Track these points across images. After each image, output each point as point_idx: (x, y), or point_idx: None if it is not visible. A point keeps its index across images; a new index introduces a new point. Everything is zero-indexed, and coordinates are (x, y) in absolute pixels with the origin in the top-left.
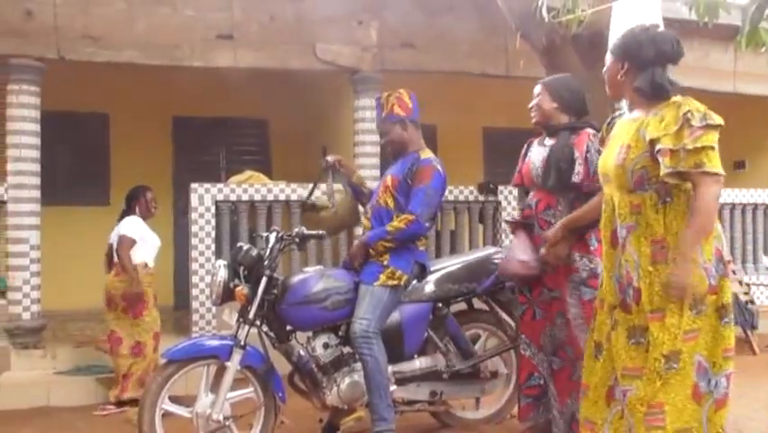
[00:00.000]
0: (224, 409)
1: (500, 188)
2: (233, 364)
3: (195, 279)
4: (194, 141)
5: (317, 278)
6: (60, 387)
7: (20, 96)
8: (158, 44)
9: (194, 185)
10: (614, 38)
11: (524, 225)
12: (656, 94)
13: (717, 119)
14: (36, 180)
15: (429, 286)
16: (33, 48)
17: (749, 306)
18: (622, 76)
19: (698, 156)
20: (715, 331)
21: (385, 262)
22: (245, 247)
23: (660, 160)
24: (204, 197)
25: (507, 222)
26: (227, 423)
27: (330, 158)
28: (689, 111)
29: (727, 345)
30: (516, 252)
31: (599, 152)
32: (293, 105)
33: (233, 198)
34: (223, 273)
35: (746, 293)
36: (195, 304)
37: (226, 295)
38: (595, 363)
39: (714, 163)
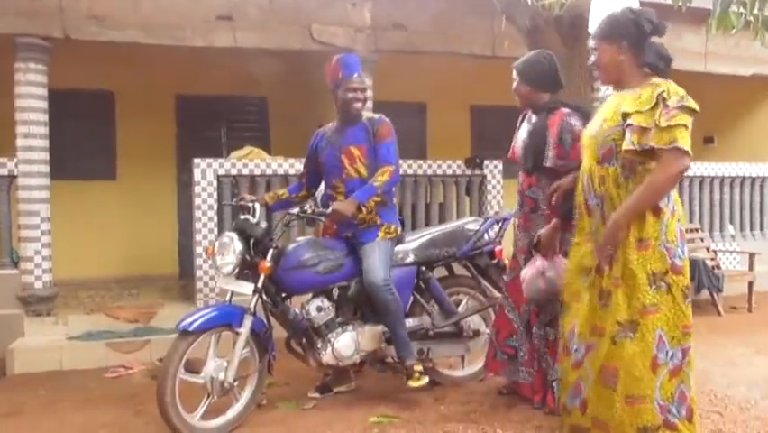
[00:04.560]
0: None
1: (486, 162)
2: (246, 331)
3: (198, 249)
4: (196, 118)
5: (309, 244)
6: (72, 351)
7: (27, 75)
8: (160, 24)
9: (197, 160)
10: (594, 20)
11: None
12: (664, 64)
13: (694, 105)
14: (45, 156)
15: (413, 251)
16: (40, 27)
17: (715, 271)
18: (622, 55)
19: (671, 133)
20: (678, 309)
21: (379, 222)
22: (253, 220)
23: (627, 134)
24: (206, 171)
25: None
26: (235, 384)
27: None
28: (664, 91)
29: (687, 322)
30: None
31: (572, 132)
32: (291, 84)
33: (233, 172)
34: (239, 246)
35: (713, 259)
36: (198, 273)
37: (244, 265)
38: (563, 321)
39: (684, 142)
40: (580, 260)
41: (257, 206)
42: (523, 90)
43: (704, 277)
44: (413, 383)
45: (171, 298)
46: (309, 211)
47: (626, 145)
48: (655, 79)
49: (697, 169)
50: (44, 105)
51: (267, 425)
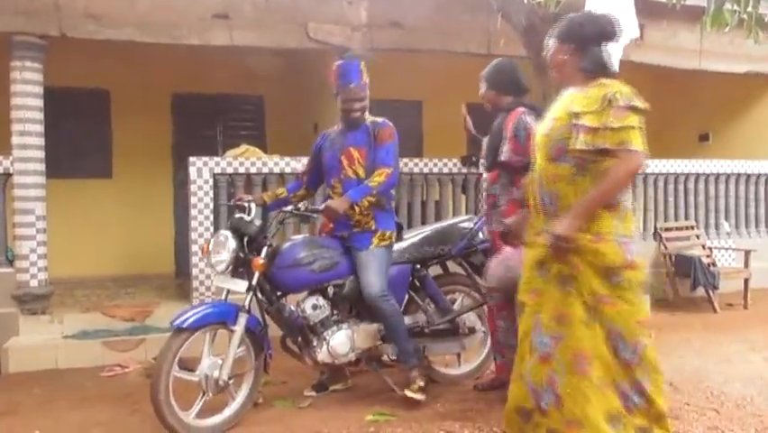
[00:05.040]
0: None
1: (482, 160)
2: (240, 328)
3: (195, 247)
4: (192, 116)
5: (304, 243)
6: (68, 350)
7: (23, 73)
8: (157, 23)
9: (192, 158)
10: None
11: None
12: (600, 71)
13: (641, 104)
14: (41, 154)
15: (408, 249)
16: (36, 25)
17: (711, 268)
18: (566, 56)
19: (622, 134)
20: (639, 304)
21: (373, 227)
22: (247, 219)
23: (577, 134)
24: (202, 170)
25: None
26: (230, 382)
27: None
28: (615, 92)
29: (643, 316)
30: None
31: (526, 129)
32: (287, 83)
33: (229, 170)
34: (233, 244)
35: (709, 256)
36: (195, 271)
37: (238, 263)
38: (520, 321)
39: (637, 142)
40: (535, 257)
41: (252, 205)
42: (488, 95)
43: (700, 274)
44: (408, 392)
45: (167, 296)
46: (303, 208)
47: (579, 145)
48: (603, 80)
49: (692, 166)
50: (40, 103)
51: (263, 423)
